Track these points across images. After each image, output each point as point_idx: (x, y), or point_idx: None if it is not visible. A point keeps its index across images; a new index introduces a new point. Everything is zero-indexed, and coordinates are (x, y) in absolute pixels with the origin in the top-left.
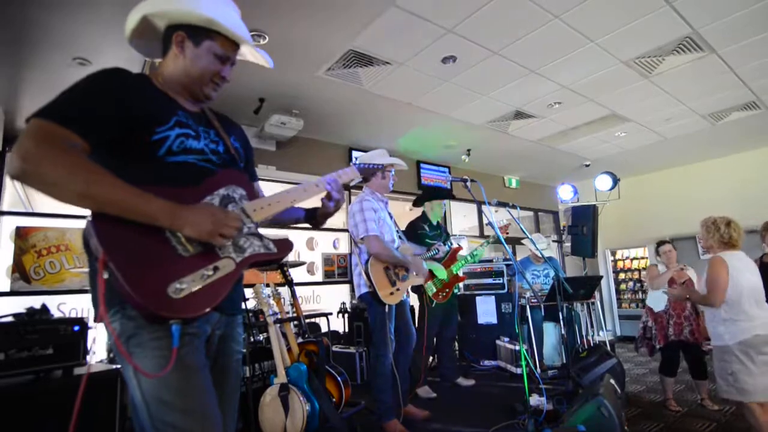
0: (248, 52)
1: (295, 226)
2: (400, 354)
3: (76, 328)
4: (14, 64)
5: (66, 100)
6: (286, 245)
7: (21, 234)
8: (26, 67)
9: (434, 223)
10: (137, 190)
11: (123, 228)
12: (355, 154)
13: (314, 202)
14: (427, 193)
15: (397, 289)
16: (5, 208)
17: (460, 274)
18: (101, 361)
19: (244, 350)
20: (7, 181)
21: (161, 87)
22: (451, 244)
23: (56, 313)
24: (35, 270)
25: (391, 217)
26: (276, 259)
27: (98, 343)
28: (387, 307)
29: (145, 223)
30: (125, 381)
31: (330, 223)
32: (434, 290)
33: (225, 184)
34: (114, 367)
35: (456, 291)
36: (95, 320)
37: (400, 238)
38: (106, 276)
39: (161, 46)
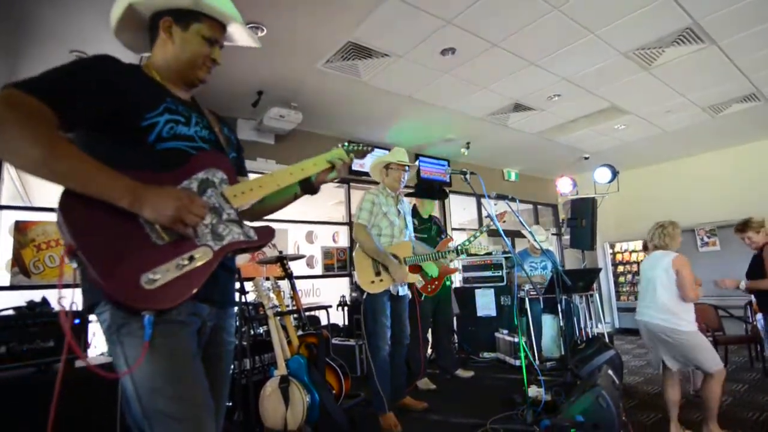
0: (236, 34)
1: (295, 219)
2: (393, 348)
3: (77, 321)
4: (11, 56)
5: (46, 76)
6: (267, 233)
7: (20, 228)
8: (23, 60)
9: (425, 217)
10: (102, 165)
11: (93, 215)
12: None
13: None
14: (418, 190)
15: (381, 280)
16: (4, 202)
17: (451, 266)
18: (102, 354)
19: (245, 343)
20: (6, 175)
21: (151, 75)
22: (444, 236)
23: (56, 307)
24: (35, 264)
25: (400, 214)
26: (257, 246)
27: (98, 336)
28: (371, 295)
29: (116, 209)
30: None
31: (330, 216)
32: (422, 283)
33: (205, 167)
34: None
35: (447, 283)
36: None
37: (409, 234)
38: (74, 266)
39: (148, 37)
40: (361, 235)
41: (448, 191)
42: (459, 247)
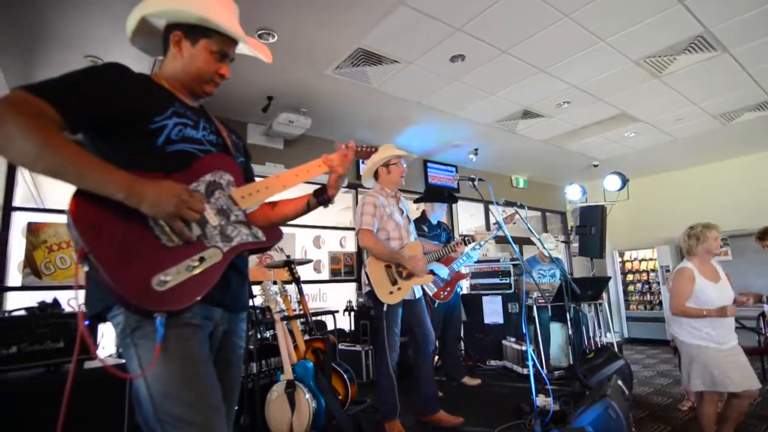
0: (246, 47)
1: (303, 224)
2: (419, 356)
3: (87, 322)
4: (26, 62)
5: (53, 79)
6: (275, 233)
7: (32, 230)
8: (38, 66)
9: (434, 223)
10: (99, 160)
11: (103, 218)
12: None
13: (304, 189)
14: (428, 194)
15: (398, 288)
16: (17, 204)
17: (463, 270)
18: (110, 356)
19: (251, 347)
20: (20, 177)
21: (160, 83)
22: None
23: (67, 308)
24: (46, 265)
25: (402, 213)
26: (265, 247)
27: (106, 337)
28: (390, 306)
29: (125, 212)
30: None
31: (337, 221)
32: (435, 290)
33: (212, 170)
34: (122, 361)
35: (458, 290)
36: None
37: (416, 234)
38: (86, 269)
39: (161, 42)
40: (369, 240)
41: (457, 196)
42: (465, 237)
